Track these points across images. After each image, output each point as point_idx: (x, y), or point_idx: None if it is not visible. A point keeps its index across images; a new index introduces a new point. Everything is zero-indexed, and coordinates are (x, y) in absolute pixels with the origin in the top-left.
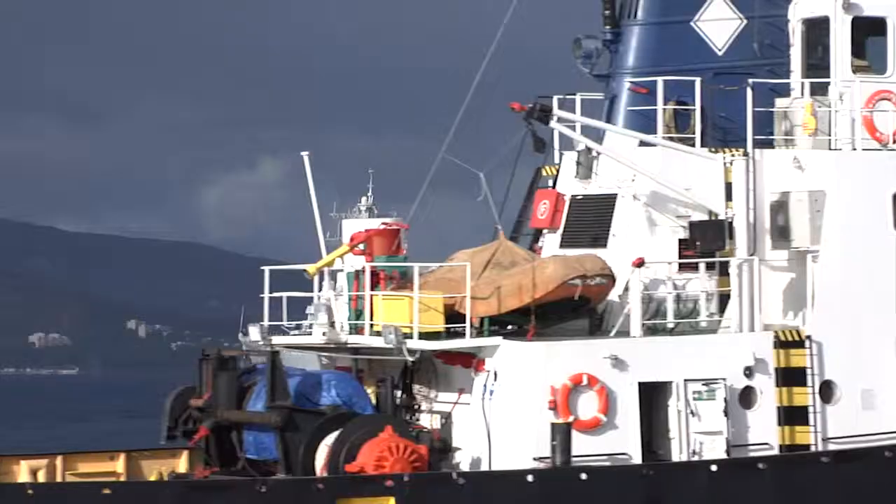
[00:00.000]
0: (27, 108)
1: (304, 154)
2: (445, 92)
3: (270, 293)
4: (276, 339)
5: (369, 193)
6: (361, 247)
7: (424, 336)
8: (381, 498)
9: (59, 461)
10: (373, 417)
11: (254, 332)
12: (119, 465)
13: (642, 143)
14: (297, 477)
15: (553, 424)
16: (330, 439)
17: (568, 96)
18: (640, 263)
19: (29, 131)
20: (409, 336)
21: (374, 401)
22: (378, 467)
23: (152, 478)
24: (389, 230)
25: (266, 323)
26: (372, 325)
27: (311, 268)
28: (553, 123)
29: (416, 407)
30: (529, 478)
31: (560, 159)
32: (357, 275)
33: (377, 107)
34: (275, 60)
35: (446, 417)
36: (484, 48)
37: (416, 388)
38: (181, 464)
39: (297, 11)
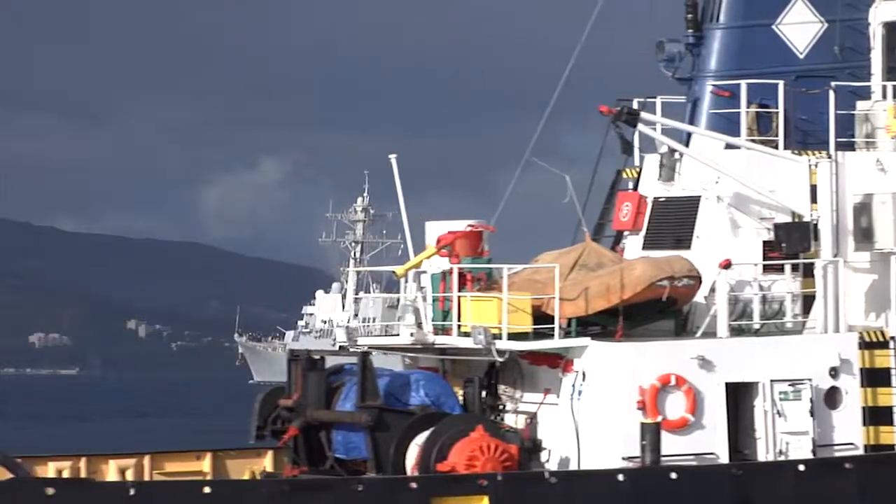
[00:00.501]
0: (27, 108)
1: (392, 157)
2: (445, 92)
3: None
4: (362, 340)
5: (365, 194)
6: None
7: (513, 337)
8: (475, 497)
9: (146, 461)
10: (464, 417)
11: (340, 334)
12: (205, 464)
13: (728, 146)
14: (392, 476)
15: (643, 424)
16: (420, 439)
17: (648, 99)
18: (727, 265)
19: (29, 131)
20: (498, 337)
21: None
22: (469, 466)
23: (245, 477)
24: (474, 232)
25: (351, 324)
26: (460, 326)
27: (399, 269)
28: (641, 127)
29: (501, 407)
30: (620, 477)
31: (641, 162)
32: (444, 276)
33: (377, 107)
34: (275, 61)
35: (531, 417)
36: (483, 50)
37: (500, 388)
38: (266, 463)
39: (297, 12)
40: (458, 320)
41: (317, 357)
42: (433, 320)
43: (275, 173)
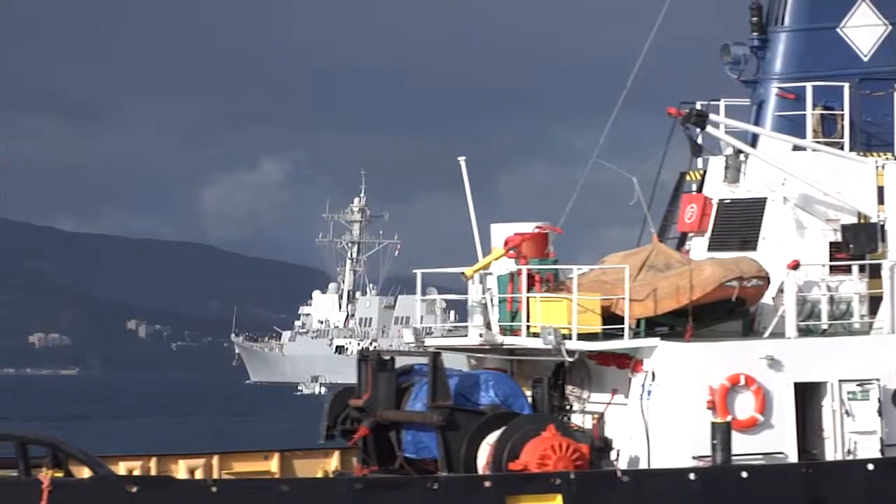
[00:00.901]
0: (27, 109)
1: (461, 159)
2: (445, 92)
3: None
4: (430, 341)
5: (362, 194)
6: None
7: (582, 337)
8: (549, 495)
9: (215, 461)
10: (535, 416)
11: (407, 334)
12: (273, 464)
13: (795, 148)
14: (468, 475)
15: (713, 423)
16: (492, 438)
17: (712, 102)
18: (795, 266)
19: (29, 131)
20: (568, 337)
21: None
22: (541, 465)
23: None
24: (540, 234)
25: (419, 325)
26: (528, 327)
27: (468, 270)
28: (710, 129)
29: (567, 407)
30: (692, 476)
31: (705, 164)
32: (511, 277)
33: (377, 107)
34: (275, 61)
35: (598, 417)
36: (483, 50)
37: (567, 388)
38: (333, 463)
39: (298, 13)
40: (527, 321)
41: (387, 358)
42: (500, 321)
43: (275, 173)
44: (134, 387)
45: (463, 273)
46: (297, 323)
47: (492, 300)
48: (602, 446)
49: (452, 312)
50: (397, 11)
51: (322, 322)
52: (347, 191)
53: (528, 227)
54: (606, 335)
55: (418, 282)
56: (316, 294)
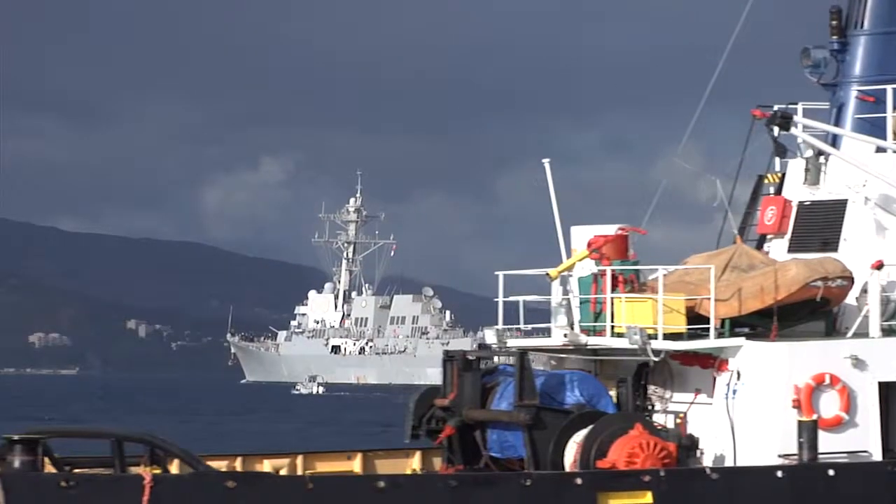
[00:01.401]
0: (28, 109)
1: (545, 161)
2: (445, 92)
3: (505, 297)
4: (512, 342)
5: (358, 194)
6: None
7: (668, 337)
8: (639, 492)
9: (299, 460)
10: (622, 415)
11: (489, 335)
12: (356, 464)
13: (878, 149)
14: (560, 472)
15: (800, 422)
16: (579, 436)
17: (790, 105)
18: (879, 266)
19: (29, 131)
20: (653, 337)
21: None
22: (629, 463)
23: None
24: (622, 235)
25: (501, 326)
26: (613, 327)
27: (553, 271)
28: (794, 130)
29: (650, 407)
30: (779, 473)
31: (783, 166)
32: (595, 278)
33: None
34: (276, 61)
35: (682, 417)
36: (483, 50)
37: (649, 388)
38: (414, 463)
39: (298, 14)
40: (612, 321)
41: (472, 357)
42: (583, 322)
43: (275, 173)
44: (135, 386)
45: (547, 274)
46: (293, 323)
47: (574, 301)
48: (689, 445)
49: (448, 312)
50: (397, 12)
51: (318, 322)
52: (347, 191)
53: (610, 229)
54: (691, 335)
55: (500, 284)
56: (312, 294)
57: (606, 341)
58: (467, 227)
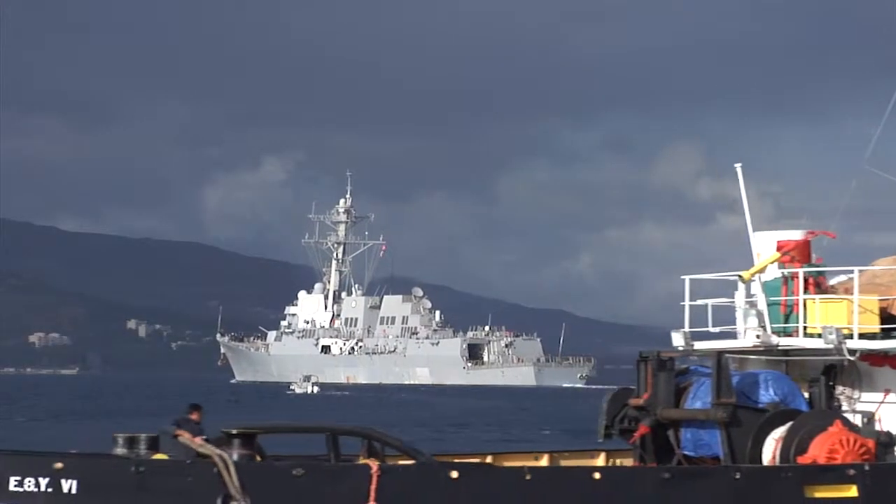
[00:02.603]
0: (28, 108)
1: (737, 165)
2: (446, 93)
3: (691, 301)
4: (699, 344)
5: (348, 195)
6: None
7: (862, 337)
8: (844, 486)
9: (488, 460)
10: (821, 413)
11: (677, 338)
12: (543, 463)
13: None
14: (768, 465)
15: None
16: (777, 434)
17: None
18: None
19: (30, 131)
20: (848, 337)
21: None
22: (830, 459)
23: None
24: (807, 240)
25: (688, 329)
26: (805, 328)
27: (745, 274)
28: None
29: (837, 406)
30: None
31: None
32: (785, 280)
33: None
34: (276, 61)
35: (869, 417)
36: (483, 51)
37: (838, 389)
38: (599, 462)
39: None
40: (804, 322)
41: (665, 358)
42: (772, 323)
43: (276, 173)
44: (134, 386)
45: (740, 276)
46: (284, 323)
47: (762, 303)
48: (887, 441)
49: (438, 312)
50: (398, 11)
51: (308, 322)
52: (346, 191)
53: (796, 234)
54: (885, 335)
55: (686, 287)
56: (302, 294)
57: (798, 342)
58: (466, 227)
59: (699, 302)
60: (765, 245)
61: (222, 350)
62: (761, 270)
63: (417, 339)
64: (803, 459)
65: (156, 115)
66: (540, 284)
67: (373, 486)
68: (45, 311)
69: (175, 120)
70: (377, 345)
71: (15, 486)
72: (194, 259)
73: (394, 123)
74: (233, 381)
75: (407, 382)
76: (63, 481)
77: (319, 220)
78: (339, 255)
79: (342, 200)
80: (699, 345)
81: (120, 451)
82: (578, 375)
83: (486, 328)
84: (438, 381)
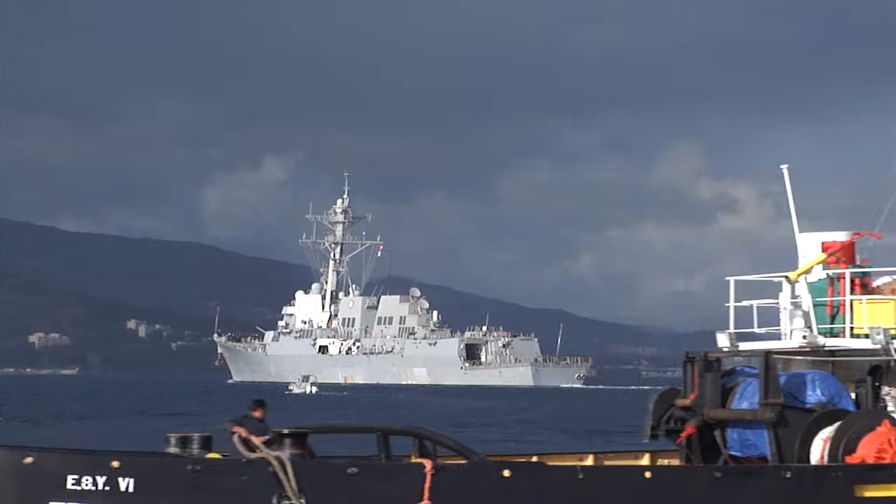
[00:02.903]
0: (28, 108)
1: (784, 167)
2: (446, 93)
3: (736, 302)
4: (744, 345)
5: (345, 195)
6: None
7: None
8: (894, 485)
9: (533, 461)
10: (869, 413)
11: (722, 339)
12: (588, 464)
13: None
14: (818, 465)
15: None
16: (825, 433)
17: None
18: None
19: (30, 131)
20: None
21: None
22: (878, 458)
23: None
24: (852, 241)
25: (733, 330)
26: (852, 329)
27: (792, 275)
28: None
29: (882, 406)
30: None
31: None
32: (832, 281)
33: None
34: (277, 61)
35: None
36: (483, 51)
37: (884, 388)
38: (643, 463)
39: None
40: (850, 323)
41: (713, 359)
42: (818, 324)
43: (276, 173)
44: (134, 386)
45: (787, 277)
46: (281, 323)
47: (808, 304)
48: None
49: (435, 313)
50: (398, 11)
51: (305, 322)
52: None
53: (842, 235)
54: None
55: (731, 289)
56: (299, 294)
57: (845, 342)
58: (467, 227)
59: (744, 303)
60: (810, 246)
61: (219, 350)
62: (807, 271)
63: (415, 339)
64: (851, 459)
65: (156, 115)
66: (540, 284)
67: (427, 485)
68: (45, 311)
69: (175, 120)
70: (374, 345)
71: (73, 484)
72: (194, 259)
73: (394, 123)
74: (230, 382)
75: (404, 382)
76: (120, 480)
77: (317, 220)
78: (337, 256)
79: (339, 201)
80: (745, 345)
81: (172, 450)
82: (576, 375)
83: (484, 328)
84: (436, 381)
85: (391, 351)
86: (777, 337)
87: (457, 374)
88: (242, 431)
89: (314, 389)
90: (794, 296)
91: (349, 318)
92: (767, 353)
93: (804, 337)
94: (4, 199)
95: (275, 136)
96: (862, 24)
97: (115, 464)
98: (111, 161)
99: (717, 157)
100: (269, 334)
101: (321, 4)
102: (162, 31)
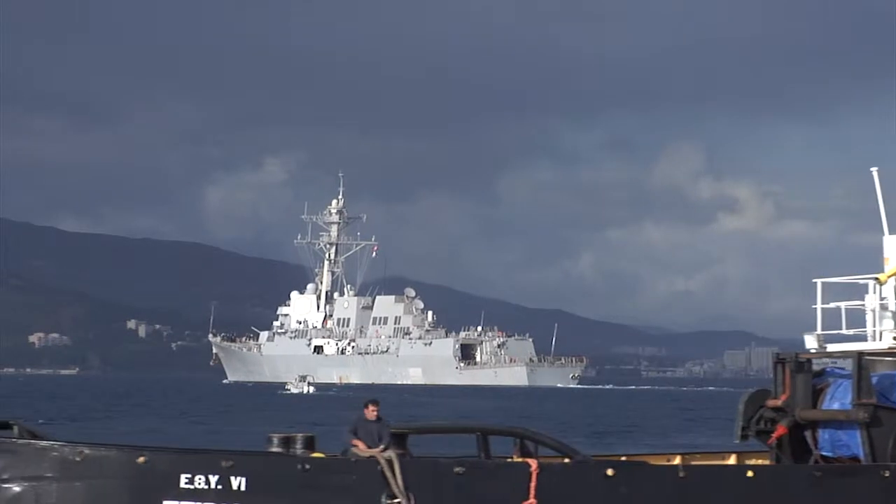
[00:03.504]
0: (28, 108)
1: (874, 169)
2: (446, 93)
3: (824, 303)
4: (831, 346)
5: (340, 196)
6: None
7: None
8: None
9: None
10: None
11: (810, 340)
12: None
13: None
14: None
15: None
16: None
17: None
18: None
19: (30, 131)
20: None
21: None
22: None
23: None
24: None
25: (820, 331)
26: None
27: (882, 277)
28: None
29: None
30: None
31: None
32: None
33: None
34: (278, 61)
35: None
36: (483, 51)
37: None
38: (731, 462)
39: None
40: None
41: (804, 360)
42: None
43: (276, 173)
44: (135, 386)
45: (877, 279)
46: (276, 323)
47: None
48: None
49: (430, 313)
50: (398, 12)
51: (300, 322)
52: (348, 191)
53: None
54: None
55: (818, 290)
56: (294, 294)
57: None
58: (467, 227)
59: (831, 305)
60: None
61: (214, 350)
62: None
63: (410, 339)
64: None
65: (156, 116)
66: (540, 284)
67: (532, 484)
68: (45, 311)
69: (175, 120)
70: (370, 345)
71: (185, 483)
72: (194, 259)
73: (394, 123)
74: (225, 382)
75: (400, 383)
76: (232, 478)
77: (312, 220)
78: (332, 256)
79: (334, 201)
80: (834, 347)
81: (275, 450)
82: (571, 376)
83: (479, 328)
84: (431, 381)
85: (386, 351)
86: (863, 338)
87: (452, 375)
88: (361, 445)
89: (311, 389)
90: (881, 297)
91: (344, 319)
92: (860, 354)
93: (895, 338)
94: (4, 199)
95: (275, 136)
96: (862, 25)
97: (228, 463)
98: (111, 161)
99: (717, 157)
100: (264, 334)
101: (321, 4)
102: (162, 31)
